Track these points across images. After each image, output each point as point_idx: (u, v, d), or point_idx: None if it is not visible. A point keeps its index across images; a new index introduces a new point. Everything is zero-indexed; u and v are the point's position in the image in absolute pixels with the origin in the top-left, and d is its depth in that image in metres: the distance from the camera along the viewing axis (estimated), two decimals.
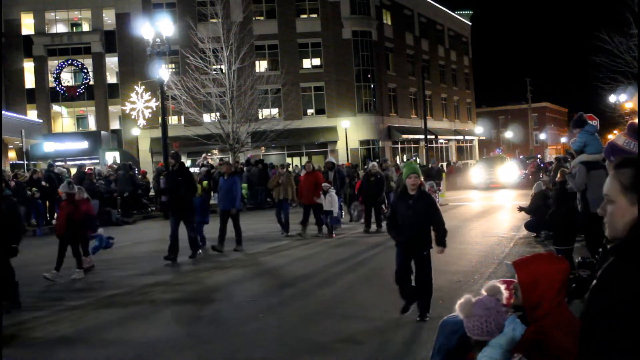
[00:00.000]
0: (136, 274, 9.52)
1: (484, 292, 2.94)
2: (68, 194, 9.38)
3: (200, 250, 11.00)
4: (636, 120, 8.68)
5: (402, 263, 6.05)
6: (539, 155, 40.84)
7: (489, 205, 19.98)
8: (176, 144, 28.54)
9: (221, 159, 29.86)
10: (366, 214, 13.96)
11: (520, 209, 11.80)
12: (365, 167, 18.53)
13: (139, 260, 11.01)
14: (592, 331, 1.69)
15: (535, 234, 11.34)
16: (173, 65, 34.77)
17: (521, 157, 42.29)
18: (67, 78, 37.01)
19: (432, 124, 43.29)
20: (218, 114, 28.12)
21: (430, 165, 24.26)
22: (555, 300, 2.72)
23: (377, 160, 25.10)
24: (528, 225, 11.44)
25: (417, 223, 5.85)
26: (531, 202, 11.54)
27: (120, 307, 7.34)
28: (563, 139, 74.83)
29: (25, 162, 23.73)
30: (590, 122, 8.44)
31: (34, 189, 16.07)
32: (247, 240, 11.88)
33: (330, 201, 13.05)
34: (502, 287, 2.94)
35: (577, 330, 2.68)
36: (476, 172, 29.89)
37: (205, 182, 12.15)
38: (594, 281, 1.77)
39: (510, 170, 28.83)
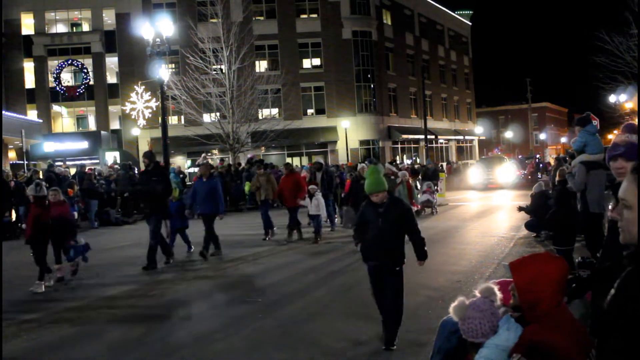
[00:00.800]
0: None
1: (477, 294, 2.95)
2: (35, 197, 8.43)
3: (172, 259, 10.37)
4: (633, 121, 8.67)
5: (375, 282, 5.32)
6: (537, 155, 40.54)
7: (489, 205, 19.97)
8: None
9: (221, 159, 29.91)
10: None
11: (520, 208, 11.81)
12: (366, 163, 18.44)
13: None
14: (611, 340, 1.66)
15: (535, 234, 11.34)
16: (173, 65, 34.77)
17: (520, 157, 42.17)
18: (67, 78, 37.01)
19: (432, 124, 43.28)
20: (218, 114, 28.15)
21: (427, 166, 24.05)
22: (554, 301, 2.71)
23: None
24: (528, 225, 11.44)
25: (389, 234, 5.06)
26: (531, 202, 11.54)
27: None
28: (563, 139, 74.83)
29: (25, 162, 23.72)
30: (592, 122, 8.43)
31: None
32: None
33: (317, 205, 12.33)
34: (496, 288, 2.95)
35: (576, 331, 2.68)
36: (474, 172, 29.58)
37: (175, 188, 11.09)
38: (612, 290, 1.72)
39: (509, 170, 28.59)
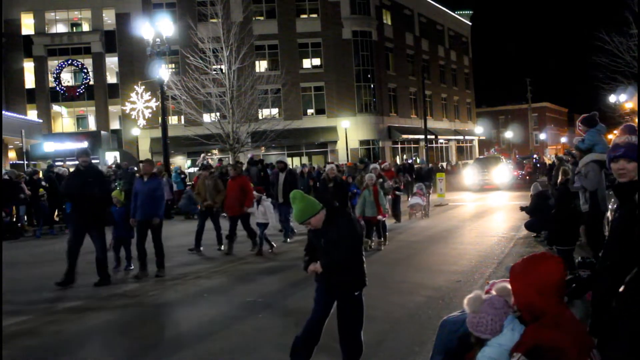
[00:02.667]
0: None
1: (493, 292, 2.94)
2: None
3: (133, 268, 9.35)
4: (633, 121, 8.68)
5: (320, 311, 4.46)
6: (534, 155, 39.98)
7: (489, 205, 19.96)
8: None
9: (220, 159, 29.89)
10: None
11: (522, 208, 11.83)
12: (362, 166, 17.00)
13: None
14: (622, 336, 1.65)
15: (535, 234, 11.34)
16: (173, 65, 34.77)
17: (517, 156, 41.72)
18: (67, 78, 37.02)
19: (432, 124, 43.29)
20: (218, 114, 28.10)
21: (420, 165, 22.84)
22: (552, 300, 2.71)
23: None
24: (528, 225, 11.44)
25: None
26: (531, 202, 11.54)
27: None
28: (563, 139, 74.95)
29: (25, 162, 23.70)
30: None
31: (41, 190, 16.04)
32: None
33: (264, 212, 10.87)
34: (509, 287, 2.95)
35: (575, 330, 2.67)
36: (469, 173, 28.59)
37: (116, 192, 9.82)
38: (623, 287, 1.72)
39: (505, 171, 27.87)
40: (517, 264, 2.98)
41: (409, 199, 16.53)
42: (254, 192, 11.10)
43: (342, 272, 4.34)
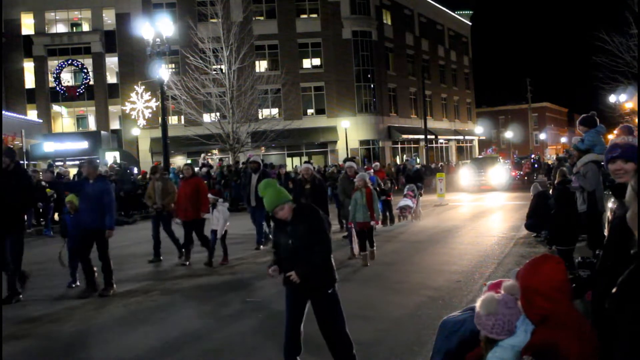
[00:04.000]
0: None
1: (502, 291, 2.92)
2: None
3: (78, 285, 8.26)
4: (633, 121, 8.70)
5: (293, 315, 4.26)
6: (532, 155, 39.28)
7: (489, 205, 19.96)
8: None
9: (220, 159, 29.92)
10: None
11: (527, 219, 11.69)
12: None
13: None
14: (617, 338, 1.65)
15: (535, 234, 11.34)
16: (173, 65, 34.78)
17: (514, 156, 41.09)
18: (67, 78, 37.03)
19: (432, 124, 43.30)
20: (218, 114, 28.15)
21: (408, 166, 20.73)
22: (558, 301, 2.71)
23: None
24: (528, 225, 11.44)
25: (304, 253, 4.12)
26: (531, 203, 11.54)
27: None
28: (563, 139, 74.94)
29: (25, 162, 23.72)
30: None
31: (48, 190, 16.10)
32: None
33: (218, 217, 9.74)
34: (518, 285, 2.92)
35: (584, 330, 2.67)
36: (465, 173, 27.69)
37: (72, 197, 8.56)
38: (615, 288, 1.72)
39: (502, 171, 27.15)
40: (521, 268, 2.98)
41: (400, 201, 15.49)
42: (209, 196, 9.96)
43: (316, 275, 4.16)
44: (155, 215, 10.56)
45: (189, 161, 25.32)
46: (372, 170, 16.13)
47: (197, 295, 7.81)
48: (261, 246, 11.28)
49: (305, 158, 36.88)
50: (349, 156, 26.80)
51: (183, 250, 10.29)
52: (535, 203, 11.14)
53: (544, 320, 2.71)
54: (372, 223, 9.50)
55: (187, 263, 10.02)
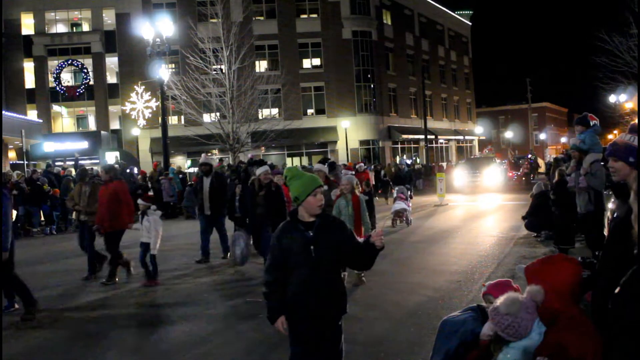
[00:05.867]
0: None
1: (526, 294, 2.91)
2: None
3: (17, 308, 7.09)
4: (636, 121, 8.73)
5: (308, 355, 3.24)
6: (529, 155, 38.02)
7: (488, 205, 19.93)
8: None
9: (220, 159, 29.90)
10: (255, 246, 9.02)
11: (524, 217, 11.72)
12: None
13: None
14: (619, 339, 1.66)
15: (535, 234, 11.34)
16: (173, 65, 34.77)
17: (514, 156, 39.96)
18: (67, 78, 37.01)
19: (432, 124, 43.30)
20: (218, 114, 28.11)
21: (399, 166, 19.96)
22: (567, 302, 2.71)
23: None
24: (528, 225, 11.44)
25: (328, 269, 3.23)
26: (531, 202, 11.54)
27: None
28: (563, 139, 74.92)
29: (25, 162, 23.70)
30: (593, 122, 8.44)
31: (53, 189, 16.15)
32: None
33: (149, 227, 8.28)
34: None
35: (592, 331, 2.67)
36: (459, 174, 26.64)
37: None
38: (618, 289, 1.72)
39: (496, 172, 26.35)
40: (533, 264, 2.97)
41: (393, 204, 14.73)
42: (140, 202, 8.50)
43: (334, 298, 3.25)
44: (79, 226, 9.53)
45: (185, 161, 25.09)
46: (361, 164, 15.00)
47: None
48: (228, 254, 9.98)
49: (305, 158, 36.92)
50: (326, 157, 24.91)
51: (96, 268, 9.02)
52: (537, 202, 11.14)
53: (554, 320, 2.70)
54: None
55: (107, 283, 8.53)
